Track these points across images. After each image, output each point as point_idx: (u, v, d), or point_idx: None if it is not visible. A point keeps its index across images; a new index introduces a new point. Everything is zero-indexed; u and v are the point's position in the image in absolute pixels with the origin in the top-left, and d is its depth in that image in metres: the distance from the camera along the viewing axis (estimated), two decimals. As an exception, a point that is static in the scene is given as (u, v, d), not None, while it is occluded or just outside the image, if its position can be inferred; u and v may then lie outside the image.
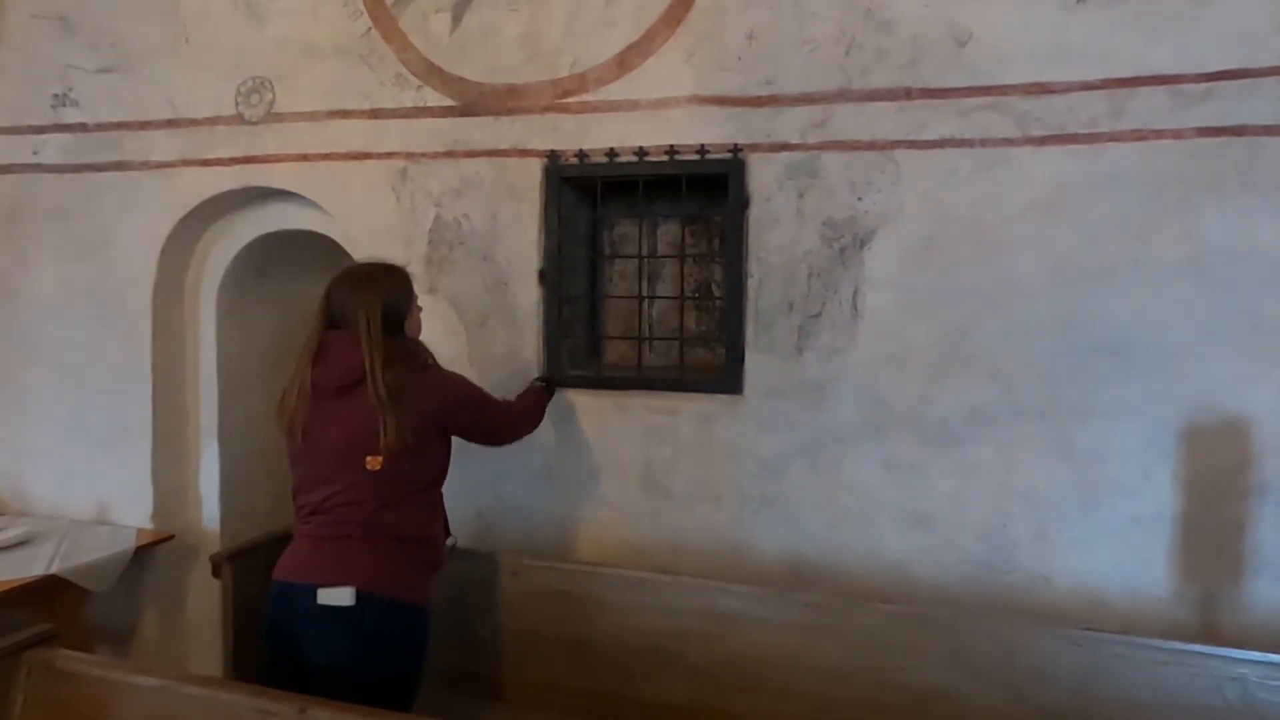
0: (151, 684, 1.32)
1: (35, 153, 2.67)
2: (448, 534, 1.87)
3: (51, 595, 2.21)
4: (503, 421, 1.91)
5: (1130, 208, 1.88)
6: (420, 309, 1.86)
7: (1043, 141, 1.93)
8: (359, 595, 1.55)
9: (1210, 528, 1.87)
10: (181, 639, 2.70)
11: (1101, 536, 1.93)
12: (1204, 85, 1.83)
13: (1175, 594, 1.89)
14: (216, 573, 1.99)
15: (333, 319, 1.70)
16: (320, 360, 1.66)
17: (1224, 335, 1.84)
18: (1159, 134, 1.86)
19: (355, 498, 1.63)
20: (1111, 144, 1.89)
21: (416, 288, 2.33)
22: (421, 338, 2.33)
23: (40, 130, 2.67)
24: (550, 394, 2.18)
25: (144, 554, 2.55)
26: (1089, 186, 1.90)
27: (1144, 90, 1.87)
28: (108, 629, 2.57)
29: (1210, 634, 1.82)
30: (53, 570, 2.25)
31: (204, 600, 2.67)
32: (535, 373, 2.31)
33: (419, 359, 1.72)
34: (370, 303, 1.66)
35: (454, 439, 1.81)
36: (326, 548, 1.62)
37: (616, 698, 1.79)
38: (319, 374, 1.66)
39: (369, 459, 1.62)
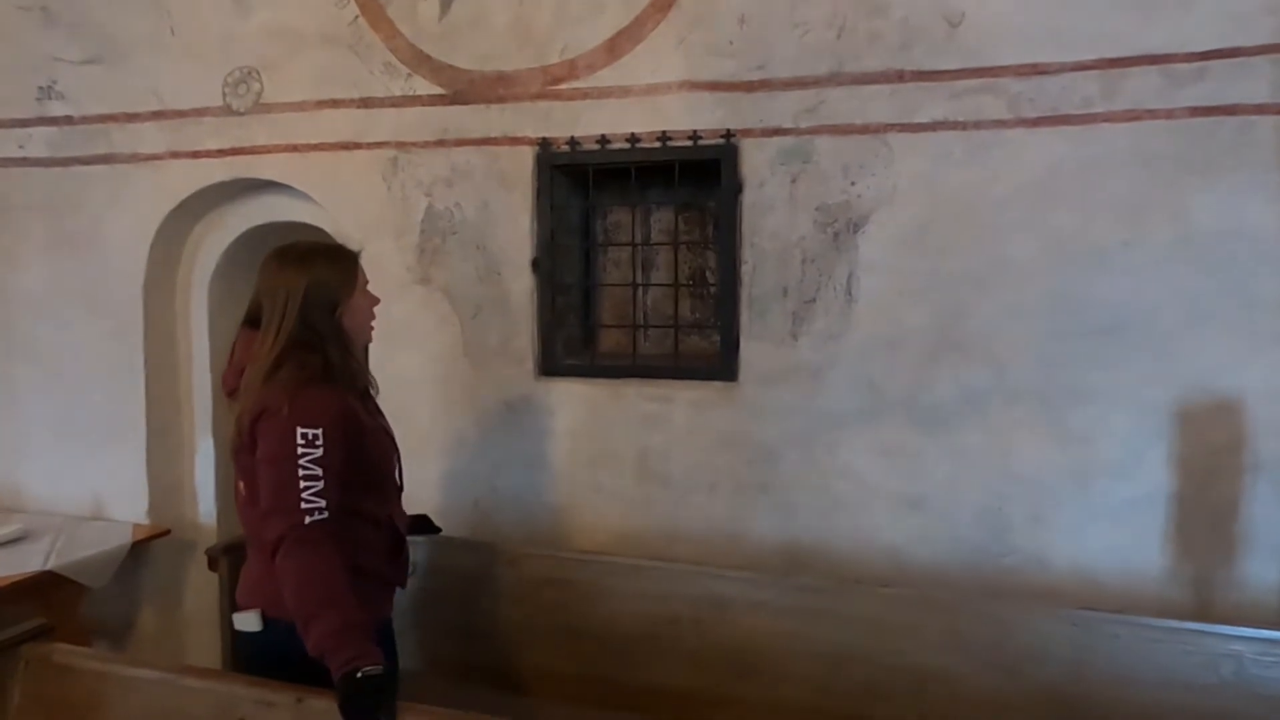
0: (149, 676, 1.31)
1: (21, 146, 2.65)
2: (401, 559, 1.59)
3: (48, 591, 2.20)
4: (272, 515, 1.36)
5: (1123, 189, 1.88)
6: (373, 300, 1.58)
7: (1036, 123, 1.92)
8: (265, 620, 1.41)
9: (1204, 508, 1.88)
10: (179, 633, 2.70)
11: (1096, 518, 1.94)
12: (1196, 65, 1.83)
13: (1170, 574, 1.90)
14: (213, 566, 1.99)
15: (256, 306, 1.49)
16: (231, 357, 1.54)
17: (1216, 316, 1.84)
18: (1152, 114, 1.86)
19: (246, 514, 1.47)
20: (1104, 125, 1.88)
21: (409, 278, 2.36)
22: (416, 329, 2.35)
23: (25, 124, 2.64)
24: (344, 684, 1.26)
25: (140, 549, 2.54)
26: (1082, 168, 1.90)
27: (1136, 70, 1.86)
28: (105, 624, 2.57)
29: (1205, 613, 1.83)
30: (49, 566, 2.24)
31: (201, 594, 2.67)
32: (530, 362, 2.29)
33: (306, 369, 1.41)
34: (294, 280, 1.43)
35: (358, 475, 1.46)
36: (247, 563, 1.51)
37: (614, 684, 1.79)
38: (226, 375, 1.53)
39: (240, 482, 1.46)
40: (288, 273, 1.45)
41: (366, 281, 1.56)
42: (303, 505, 1.33)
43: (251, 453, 1.41)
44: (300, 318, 1.42)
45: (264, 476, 1.38)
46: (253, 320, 1.49)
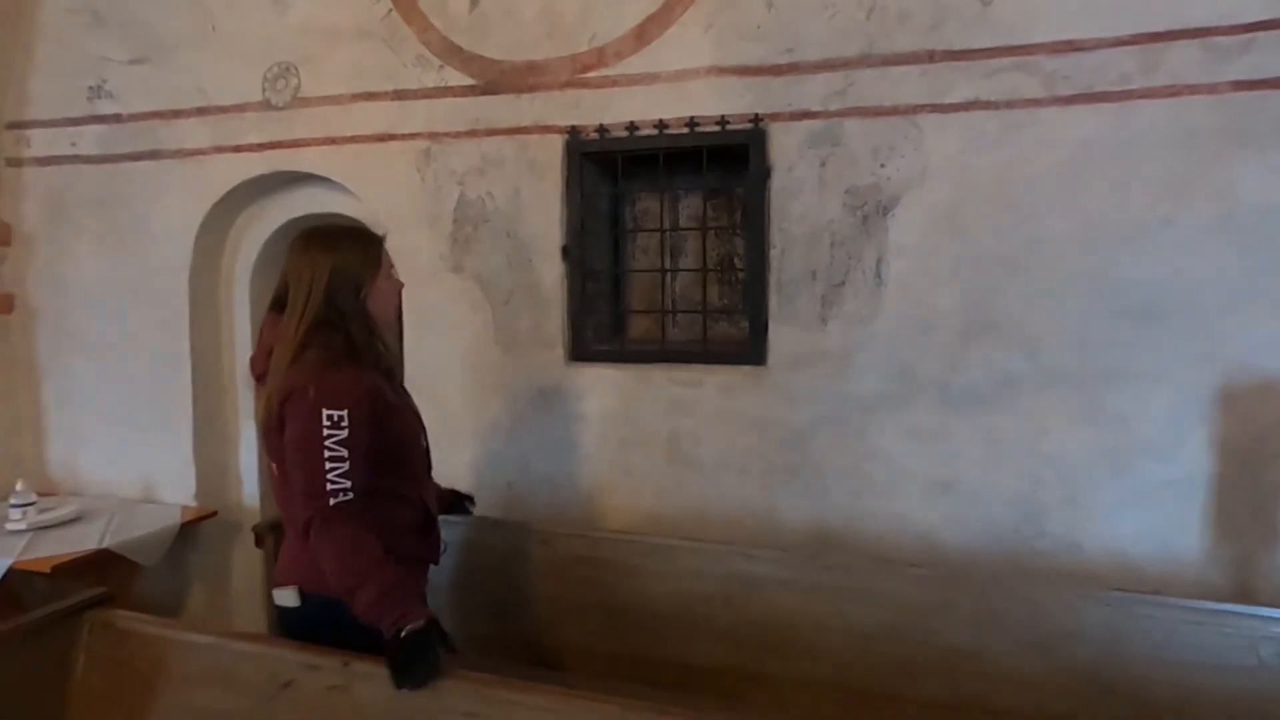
0: (203, 641, 1.39)
1: (73, 145, 2.76)
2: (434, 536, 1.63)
3: (105, 568, 2.31)
4: (303, 499, 1.39)
5: (1162, 166, 1.84)
6: (399, 285, 1.62)
7: (1070, 101, 1.89)
8: (302, 595, 1.45)
9: (1247, 490, 1.84)
10: (227, 609, 2.81)
11: (1133, 501, 1.92)
12: (1241, 38, 1.78)
13: (1209, 557, 1.87)
14: (259, 543, 2.07)
15: (283, 289, 1.51)
16: (258, 342, 1.55)
17: (1260, 294, 1.80)
18: (1193, 89, 1.82)
19: (280, 495, 1.50)
20: (1142, 101, 1.85)
21: (442, 266, 2.41)
22: (449, 316, 2.40)
23: (77, 122, 2.75)
24: (390, 645, 1.31)
25: (189, 530, 2.65)
26: (1119, 146, 1.87)
27: (1178, 45, 1.82)
28: (157, 601, 2.68)
29: (1245, 597, 1.79)
30: (105, 545, 2.35)
31: (247, 573, 2.77)
32: (560, 348, 2.32)
33: (330, 351, 1.42)
34: (320, 263, 1.45)
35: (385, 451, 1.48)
36: (285, 541, 1.54)
37: (645, 661, 1.83)
38: (253, 358, 1.55)
39: (273, 465, 1.49)
40: (313, 254, 1.47)
41: (391, 266, 1.59)
42: (328, 487, 1.35)
43: (281, 434, 1.43)
44: (325, 299, 1.45)
45: (292, 460, 1.40)
46: (279, 304, 1.51)
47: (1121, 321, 1.89)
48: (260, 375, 1.53)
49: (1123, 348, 1.90)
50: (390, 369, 1.58)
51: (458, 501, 1.98)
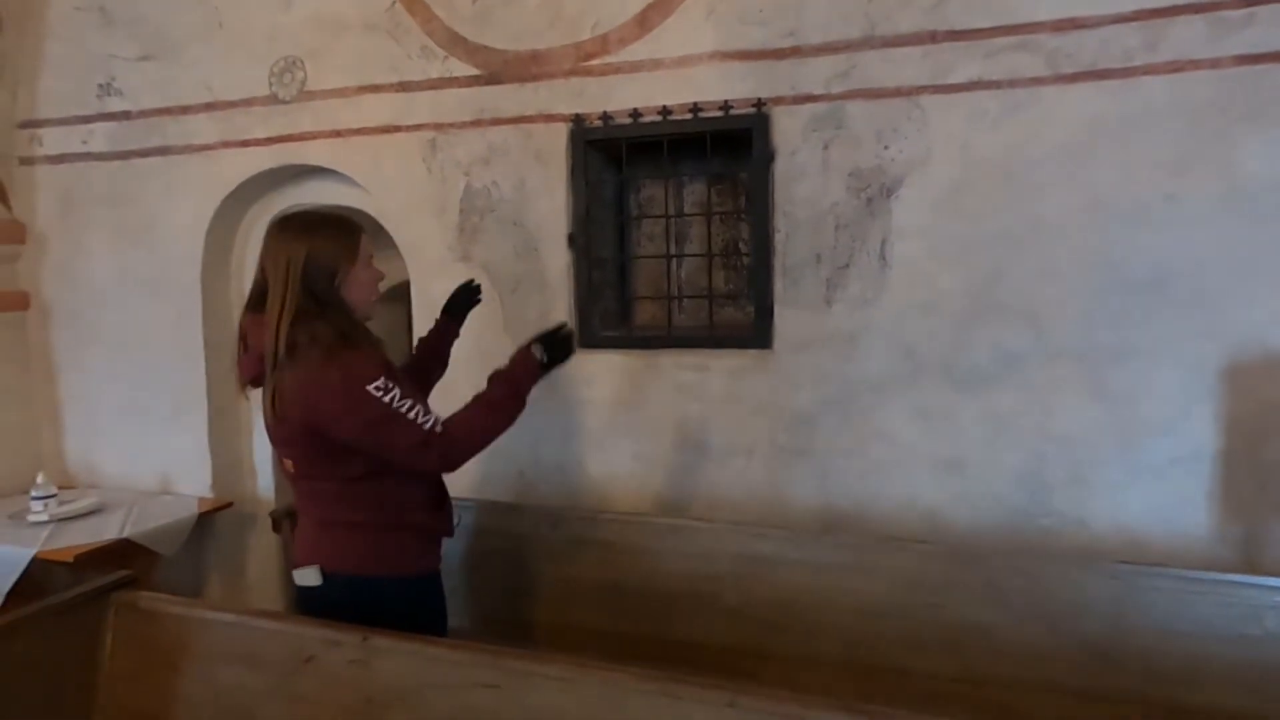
0: (226, 619, 1.43)
1: (84, 142, 2.79)
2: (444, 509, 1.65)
3: (125, 557, 2.35)
4: (418, 450, 1.44)
5: (1166, 142, 1.85)
6: (378, 274, 1.57)
7: (1074, 79, 1.89)
8: (323, 574, 1.48)
9: (1253, 466, 1.85)
10: (243, 598, 2.85)
11: (1139, 478, 1.93)
12: (1244, 11, 1.77)
13: (1216, 534, 1.88)
14: (276, 528, 2.10)
15: (261, 283, 1.48)
16: (243, 345, 1.52)
17: (1265, 269, 1.80)
18: (1196, 64, 1.81)
19: (298, 487, 1.55)
20: (1146, 77, 1.85)
21: (449, 256, 2.44)
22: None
23: (87, 120, 2.78)
24: (545, 367, 1.63)
25: (205, 521, 2.69)
26: (1122, 122, 1.87)
27: (1181, 20, 1.82)
28: (175, 589, 2.69)
29: (1252, 572, 1.78)
30: (125, 534, 2.40)
31: (262, 563, 2.82)
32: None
33: (320, 342, 1.41)
34: (295, 249, 1.43)
35: None
36: (301, 525, 1.57)
37: (655, 640, 1.86)
38: (243, 363, 1.53)
39: (285, 461, 1.52)
40: (288, 241, 1.45)
41: (371, 255, 1.56)
42: (425, 428, 1.42)
43: (300, 435, 1.43)
44: (302, 288, 1.42)
45: (375, 443, 1.41)
46: (258, 302, 1.48)
47: (1126, 298, 1.90)
48: (253, 379, 1.50)
49: (1128, 325, 1.90)
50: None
51: (460, 301, 1.90)
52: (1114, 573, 1.61)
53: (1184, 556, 1.86)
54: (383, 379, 1.41)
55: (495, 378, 1.60)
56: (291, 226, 1.49)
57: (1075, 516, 1.97)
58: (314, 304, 1.44)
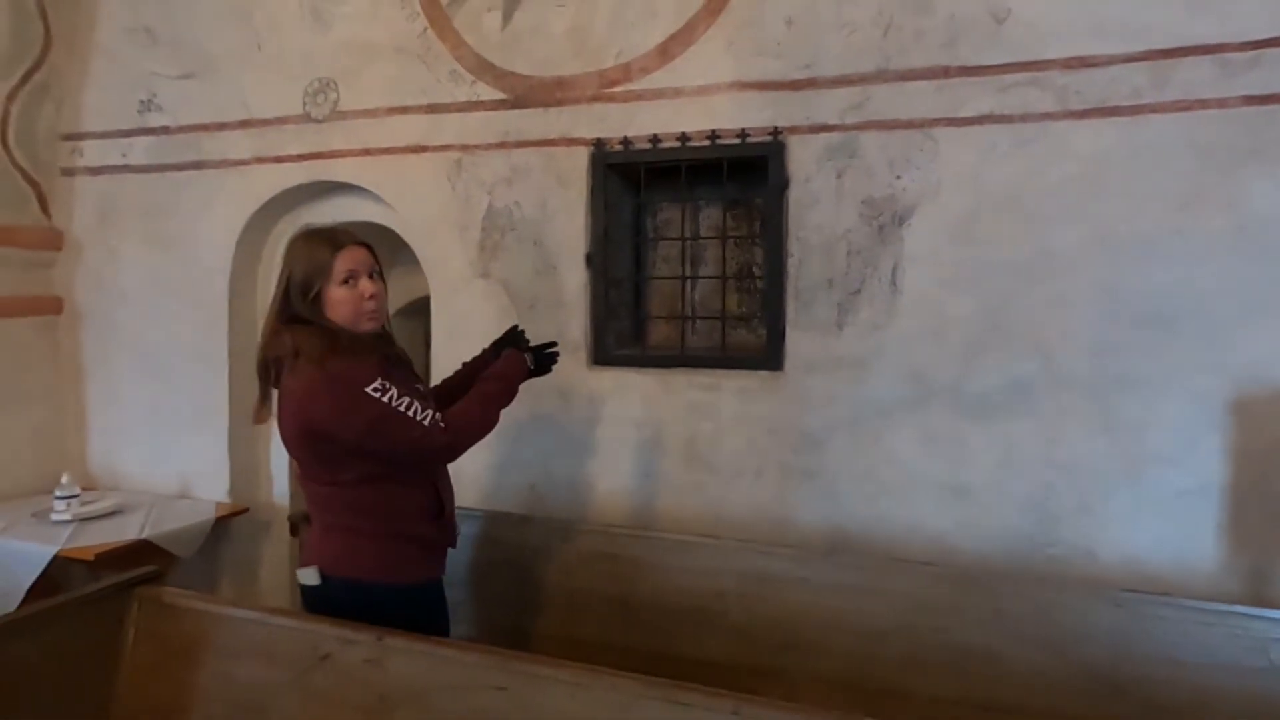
0: (246, 615, 1.47)
1: (124, 155, 2.90)
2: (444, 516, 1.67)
3: (144, 558, 2.38)
4: (423, 440, 1.48)
5: (1173, 178, 1.89)
6: (357, 293, 1.52)
7: (1083, 115, 1.94)
8: (323, 576, 1.53)
9: (1262, 500, 1.86)
10: (254, 603, 2.88)
11: (1146, 509, 1.93)
12: (1250, 54, 1.82)
13: (1224, 566, 1.88)
14: (294, 531, 2.15)
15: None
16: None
17: (1272, 304, 1.83)
18: (1203, 104, 1.86)
19: (304, 488, 1.62)
20: (1154, 115, 1.89)
21: (470, 273, 2.50)
22: (477, 320, 2.48)
23: (128, 134, 2.89)
24: (532, 368, 1.79)
25: (222, 525, 2.74)
26: (1130, 158, 1.91)
27: (1188, 60, 1.87)
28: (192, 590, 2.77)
29: (1261, 606, 1.79)
30: (144, 535, 2.45)
31: (275, 567, 2.86)
32: (583, 353, 2.39)
33: (304, 353, 1.45)
34: (286, 264, 1.53)
35: None
36: (311, 527, 1.63)
37: (660, 655, 1.87)
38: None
39: (294, 461, 1.60)
40: (285, 255, 1.56)
41: (351, 274, 1.52)
42: (425, 422, 1.47)
43: (297, 440, 1.50)
44: (286, 300, 1.51)
45: (379, 446, 1.46)
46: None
47: (1134, 330, 1.92)
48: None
49: (1136, 356, 1.93)
50: (393, 355, 1.60)
51: (519, 344, 1.89)
52: (1119, 600, 1.61)
53: (1191, 588, 1.86)
54: (379, 380, 1.46)
55: (490, 376, 1.74)
56: (291, 242, 1.59)
57: (1083, 546, 1.98)
58: (297, 318, 1.51)
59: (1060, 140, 1.96)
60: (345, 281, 1.51)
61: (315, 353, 1.45)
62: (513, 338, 1.94)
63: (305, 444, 1.52)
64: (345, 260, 1.52)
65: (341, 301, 1.51)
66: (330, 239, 1.54)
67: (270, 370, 1.55)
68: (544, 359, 1.85)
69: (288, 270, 1.52)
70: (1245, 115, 1.83)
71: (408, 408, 1.47)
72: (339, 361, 1.45)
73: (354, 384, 1.44)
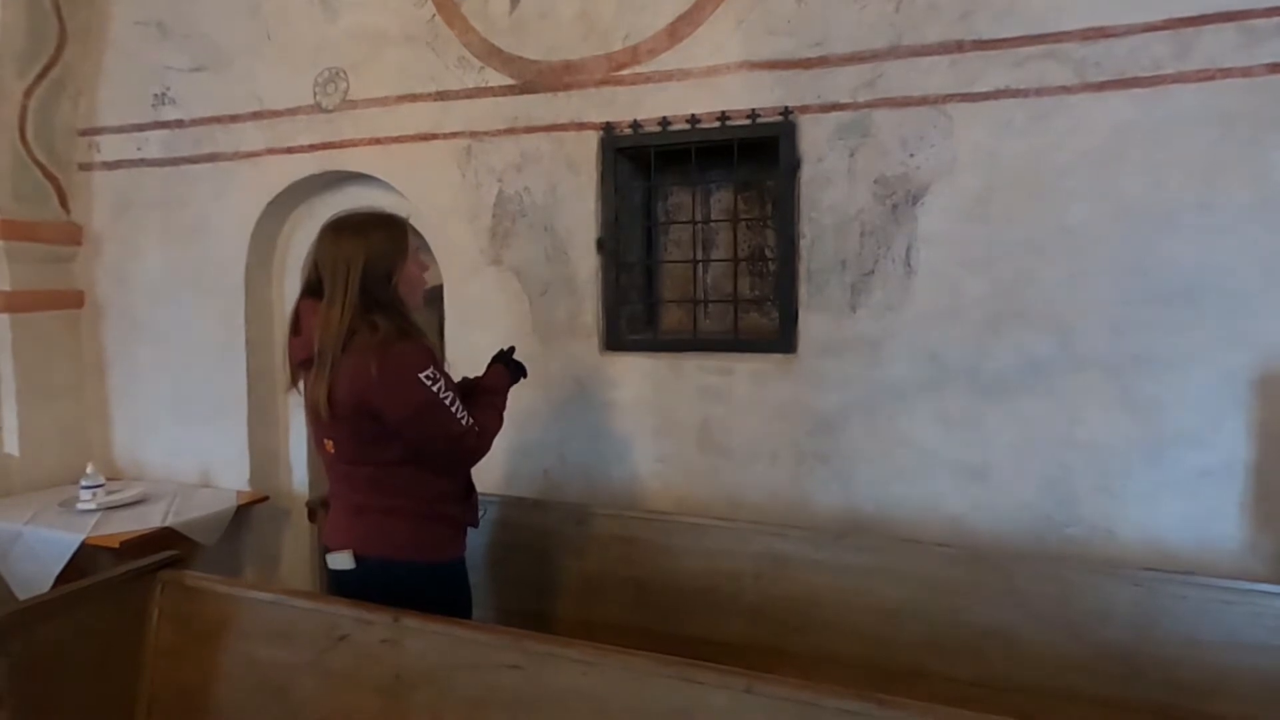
0: (265, 598, 1.49)
1: (139, 149, 2.93)
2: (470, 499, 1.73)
3: (167, 546, 2.42)
4: (457, 440, 1.56)
5: (1195, 150, 1.84)
6: (425, 266, 1.66)
7: (1102, 87, 1.90)
8: (356, 558, 1.54)
9: (1287, 478, 1.82)
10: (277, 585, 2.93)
11: (1168, 488, 1.91)
12: (1275, 20, 1.77)
13: (1247, 546, 1.85)
14: (311, 517, 2.17)
15: (316, 277, 1.56)
16: (295, 329, 1.59)
17: (1298, 278, 1.78)
18: (1226, 73, 1.81)
19: (335, 470, 1.62)
20: (1175, 86, 1.85)
21: (482, 260, 2.51)
22: (488, 307, 2.49)
23: (142, 128, 2.92)
24: (512, 378, 1.85)
25: (243, 513, 2.79)
26: (1151, 131, 1.87)
27: (1211, 29, 1.82)
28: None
29: (1285, 585, 1.77)
30: (167, 523, 2.50)
31: (295, 553, 2.90)
32: (595, 338, 2.39)
33: (380, 331, 1.48)
34: (354, 253, 1.50)
35: None
36: (334, 512, 1.64)
37: (675, 636, 1.88)
38: (294, 345, 1.59)
39: (327, 441, 1.58)
40: (344, 245, 1.52)
41: (416, 248, 1.63)
42: (463, 422, 1.55)
43: (350, 418, 1.50)
44: (361, 289, 1.50)
45: (420, 433, 1.51)
46: (312, 290, 1.56)
47: (1155, 306, 1.89)
48: (302, 362, 1.57)
49: (1156, 333, 1.89)
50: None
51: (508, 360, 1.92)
52: (1138, 579, 1.59)
53: (1214, 568, 1.83)
54: (432, 369, 1.51)
55: (490, 388, 1.78)
56: (347, 231, 1.55)
57: (1103, 526, 1.96)
58: (373, 303, 1.51)
59: (1078, 114, 1.92)
60: (416, 258, 1.60)
61: (385, 334, 1.48)
62: (500, 356, 1.95)
63: (355, 422, 1.52)
64: (411, 236, 1.61)
65: (414, 276, 1.60)
66: (394, 220, 1.60)
67: (331, 357, 1.50)
68: (518, 367, 1.90)
69: (360, 258, 1.50)
70: (1270, 84, 1.78)
71: (451, 403, 1.53)
72: (403, 343, 1.50)
73: (412, 367, 1.49)
